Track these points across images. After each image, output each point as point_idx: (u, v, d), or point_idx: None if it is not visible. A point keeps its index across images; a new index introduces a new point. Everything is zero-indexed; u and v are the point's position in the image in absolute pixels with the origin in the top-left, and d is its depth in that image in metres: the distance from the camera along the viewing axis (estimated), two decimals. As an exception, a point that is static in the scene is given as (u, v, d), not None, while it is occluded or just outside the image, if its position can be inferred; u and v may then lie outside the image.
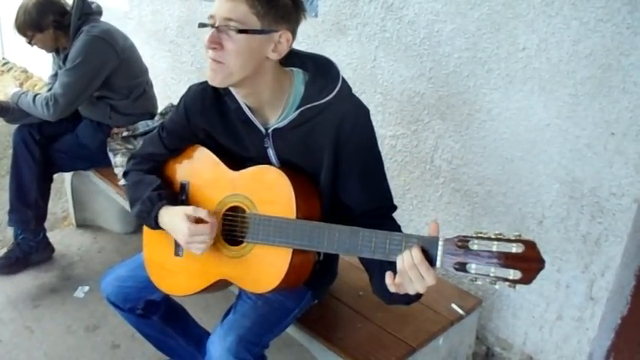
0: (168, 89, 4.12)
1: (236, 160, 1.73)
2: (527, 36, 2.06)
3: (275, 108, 1.62)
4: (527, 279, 1.21)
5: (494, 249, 1.23)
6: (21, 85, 6.05)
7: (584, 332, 2.16)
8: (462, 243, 1.26)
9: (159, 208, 1.70)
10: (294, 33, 1.54)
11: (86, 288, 3.00)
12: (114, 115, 3.04)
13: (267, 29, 1.47)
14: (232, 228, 1.68)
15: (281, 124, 1.60)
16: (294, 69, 1.64)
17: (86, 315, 2.81)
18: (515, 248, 1.21)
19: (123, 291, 1.94)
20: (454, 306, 2.07)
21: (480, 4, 2.17)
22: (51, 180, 3.14)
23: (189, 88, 1.75)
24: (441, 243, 1.30)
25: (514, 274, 1.21)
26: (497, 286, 1.24)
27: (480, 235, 1.25)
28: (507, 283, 1.22)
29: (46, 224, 3.21)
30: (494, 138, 2.26)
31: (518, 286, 1.22)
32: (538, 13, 2.01)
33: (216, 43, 1.45)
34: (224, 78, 1.50)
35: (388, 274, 1.36)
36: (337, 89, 1.57)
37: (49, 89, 2.96)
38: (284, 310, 1.78)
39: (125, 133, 3.04)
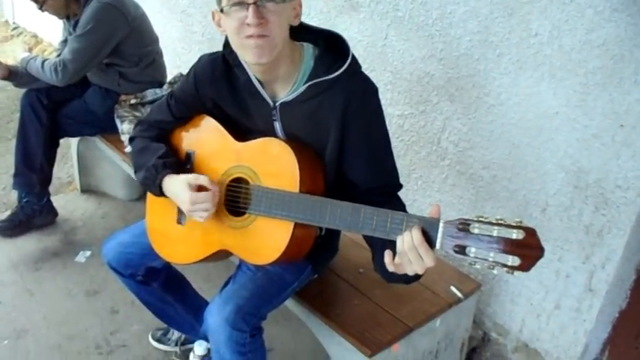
0: (178, 59, 4.11)
1: (242, 132, 1.73)
2: (540, 22, 2.04)
3: (285, 82, 1.63)
4: (525, 266, 1.21)
5: (495, 234, 1.23)
6: (30, 50, 6.04)
7: (581, 323, 2.17)
8: (463, 226, 1.26)
9: (163, 177, 1.71)
10: None
11: (88, 253, 3.02)
12: (123, 82, 3.04)
13: None
14: (235, 199, 1.69)
15: (289, 98, 1.61)
16: (304, 44, 1.65)
17: (87, 280, 2.84)
18: (516, 234, 1.21)
19: (124, 257, 1.96)
20: (453, 288, 2.08)
21: (494, -13, 2.15)
22: (57, 145, 3.15)
23: (200, 58, 1.76)
24: (441, 225, 1.30)
25: (513, 260, 1.21)
26: (495, 271, 1.24)
27: (481, 219, 1.25)
28: (505, 269, 1.22)
29: (51, 188, 3.23)
30: (501, 123, 2.24)
31: (517, 273, 1.22)
32: (552, 0, 1.98)
33: (261, 18, 1.46)
34: (271, 50, 1.50)
35: (387, 253, 1.37)
36: (346, 65, 1.57)
37: (58, 55, 2.96)
38: (283, 282, 1.79)
39: (133, 101, 3.04)
